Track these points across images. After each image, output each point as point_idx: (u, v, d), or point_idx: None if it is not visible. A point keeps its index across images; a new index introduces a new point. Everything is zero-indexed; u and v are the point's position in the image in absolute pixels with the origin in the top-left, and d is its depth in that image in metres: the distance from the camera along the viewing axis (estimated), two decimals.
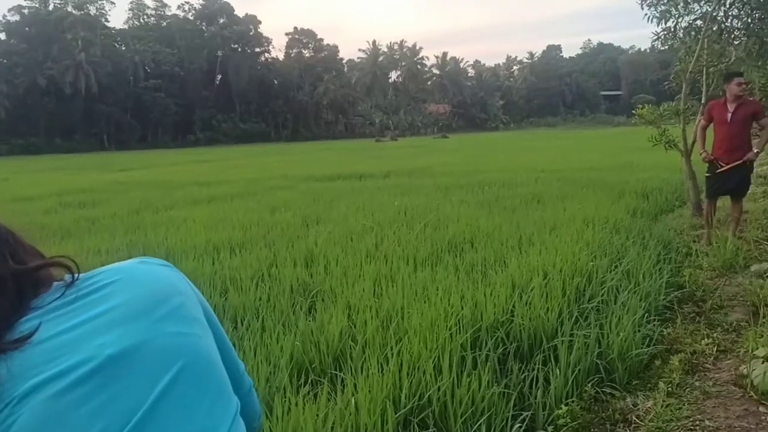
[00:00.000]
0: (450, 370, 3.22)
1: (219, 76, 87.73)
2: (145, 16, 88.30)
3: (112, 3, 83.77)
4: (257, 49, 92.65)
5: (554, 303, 4.20)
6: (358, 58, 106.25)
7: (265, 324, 4.22)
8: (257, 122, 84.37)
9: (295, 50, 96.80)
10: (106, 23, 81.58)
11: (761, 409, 3.27)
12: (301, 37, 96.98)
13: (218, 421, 0.79)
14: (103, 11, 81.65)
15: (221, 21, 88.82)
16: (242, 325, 4.27)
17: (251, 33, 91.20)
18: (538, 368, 3.49)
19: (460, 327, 3.80)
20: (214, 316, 0.94)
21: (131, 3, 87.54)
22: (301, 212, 9.76)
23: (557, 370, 3.46)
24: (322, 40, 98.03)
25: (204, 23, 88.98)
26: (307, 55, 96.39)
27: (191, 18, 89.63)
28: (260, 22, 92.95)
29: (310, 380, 3.48)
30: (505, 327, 3.96)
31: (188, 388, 0.78)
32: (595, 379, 3.56)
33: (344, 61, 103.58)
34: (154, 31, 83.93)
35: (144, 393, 0.74)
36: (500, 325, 3.96)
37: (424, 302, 4.26)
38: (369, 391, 3.05)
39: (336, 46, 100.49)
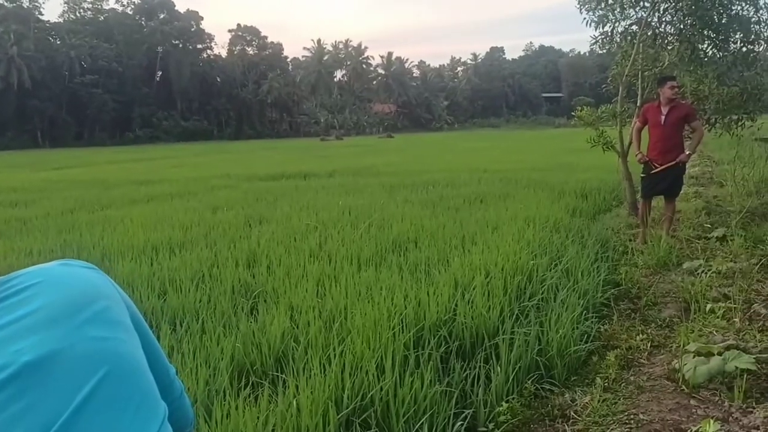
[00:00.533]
0: (392, 369, 3.22)
1: (159, 73, 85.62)
2: (81, 10, 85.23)
3: None
4: (199, 46, 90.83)
5: (496, 301, 4.26)
6: (302, 56, 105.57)
7: (205, 326, 4.13)
8: (199, 120, 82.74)
9: (238, 47, 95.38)
10: (39, 16, 78.38)
11: (692, 402, 3.39)
12: (244, 35, 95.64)
13: (144, 427, 0.76)
14: (36, 4, 78.43)
15: (161, 16, 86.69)
16: (181, 327, 4.17)
17: (193, 29, 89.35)
18: (480, 366, 3.54)
19: (403, 326, 3.81)
20: (142, 320, 0.90)
21: None
22: (243, 212, 9.62)
23: (498, 367, 3.51)
24: (266, 37, 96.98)
25: (143, 18, 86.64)
26: (251, 52, 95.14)
27: (130, 12, 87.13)
28: (202, 18, 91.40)
29: (251, 382, 3.43)
30: (448, 326, 3.99)
31: (112, 395, 0.74)
32: (535, 376, 3.62)
33: (289, 60, 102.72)
34: (91, 26, 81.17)
35: (64, 401, 0.70)
36: (443, 324, 3.98)
37: (368, 302, 4.24)
38: (311, 392, 3.02)
39: (280, 44, 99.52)
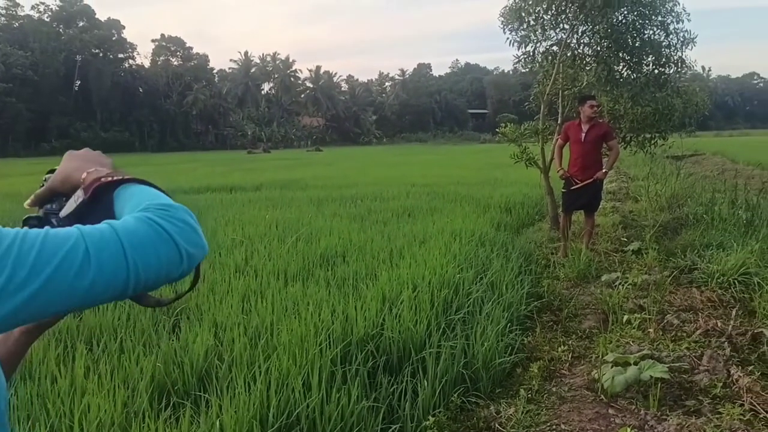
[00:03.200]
0: (319, 386, 3.18)
1: (78, 82, 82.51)
2: None
3: None
4: (120, 55, 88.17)
5: (423, 315, 4.28)
6: (229, 68, 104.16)
7: (124, 345, 3.98)
8: (120, 131, 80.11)
9: (162, 58, 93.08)
10: None
11: (610, 411, 3.50)
12: (168, 45, 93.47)
13: None
14: None
15: (81, 24, 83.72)
16: (98, 347, 3.99)
17: (114, 38, 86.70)
18: (407, 380, 3.54)
19: (330, 342, 3.77)
20: None
21: None
22: None
23: (425, 381, 3.52)
24: (191, 48, 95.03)
25: (61, 26, 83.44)
26: (176, 63, 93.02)
27: (47, 20, 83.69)
28: (124, 27, 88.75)
29: (172, 403, 3.31)
30: (375, 340, 3.98)
31: None
32: (461, 389, 3.66)
33: (215, 71, 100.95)
34: (4, 32, 77.36)
35: None
36: (370, 339, 3.97)
37: (295, 318, 4.19)
38: (235, 411, 2.94)
39: (206, 55, 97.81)
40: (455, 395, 3.56)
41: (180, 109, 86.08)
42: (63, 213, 1.01)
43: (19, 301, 0.73)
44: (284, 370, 3.36)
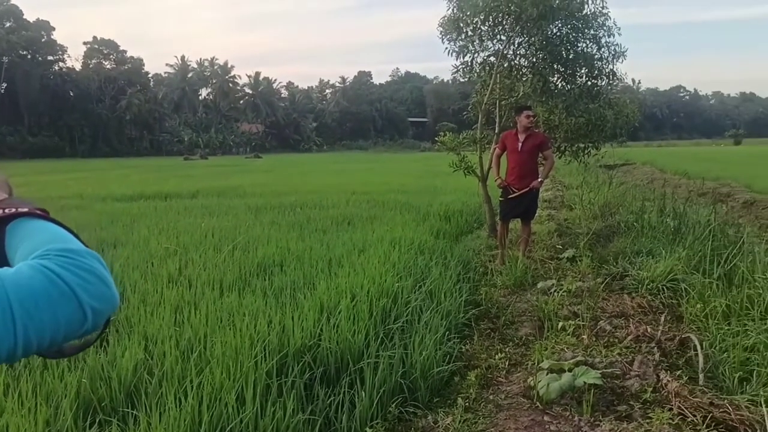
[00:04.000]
0: (254, 399, 3.10)
1: (4, 84, 79.19)
2: None
3: None
4: (50, 58, 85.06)
5: (361, 325, 4.24)
6: (165, 73, 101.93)
7: (47, 360, 3.78)
8: (50, 136, 77.22)
9: (94, 61, 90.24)
10: None
11: (545, 418, 3.53)
12: (101, 48, 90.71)
13: None
14: None
15: (8, 25, 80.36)
16: (19, 363, 3.78)
17: (43, 39, 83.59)
18: (344, 392, 3.49)
19: (266, 353, 3.69)
20: None
21: None
22: (96, 235, 9.00)
23: (363, 392, 3.48)
24: (125, 51, 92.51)
25: None
26: (109, 66, 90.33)
27: None
28: (54, 29, 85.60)
29: (98, 421, 3.17)
30: (313, 351, 3.92)
31: None
32: (399, 399, 3.63)
33: (150, 75, 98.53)
34: None
35: None
36: (307, 350, 3.91)
37: (230, 329, 4.08)
38: (165, 428, 2.83)
39: (141, 59, 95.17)
40: (393, 406, 3.53)
41: (113, 113, 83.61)
42: None
43: None
44: (217, 383, 3.26)
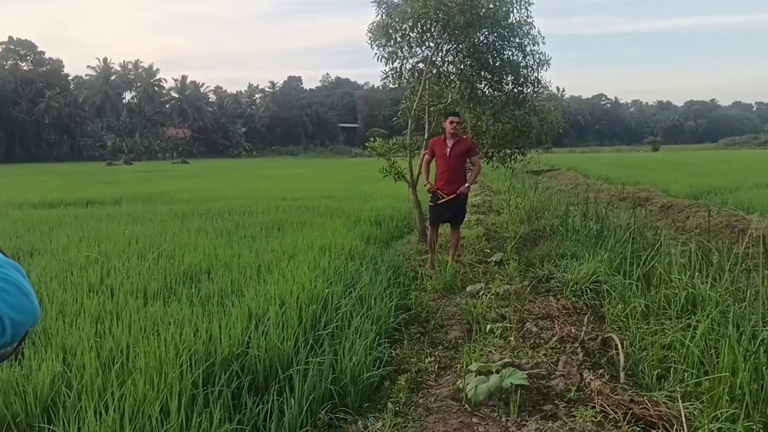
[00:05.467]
0: (179, 411, 3.02)
1: None
2: None
3: None
4: None
5: (290, 332, 4.20)
6: (86, 75, 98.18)
7: None
8: None
9: (10, 62, 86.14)
10: None
11: (474, 419, 3.58)
12: (17, 48, 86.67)
13: None
14: None
15: None
16: None
17: None
18: (273, 399, 3.44)
19: (192, 363, 3.59)
20: None
21: None
22: (11, 243, 8.58)
23: (292, 399, 3.44)
24: (43, 53, 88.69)
25: None
26: (26, 68, 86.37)
27: None
28: None
29: None
30: (241, 359, 3.84)
31: None
32: (329, 406, 3.61)
33: (70, 78, 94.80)
34: None
35: None
36: (235, 358, 3.83)
37: (154, 339, 3.95)
38: None
39: (60, 61, 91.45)
40: (323, 412, 3.51)
41: (30, 117, 79.94)
42: None
43: None
44: (140, 395, 3.16)
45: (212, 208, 13.23)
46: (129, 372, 3.48)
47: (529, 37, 10.03)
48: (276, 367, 3.82)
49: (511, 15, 9.78)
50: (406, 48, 9.95)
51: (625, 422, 3.40)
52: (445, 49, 9.95)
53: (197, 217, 11.71)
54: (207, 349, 3.85)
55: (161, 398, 3.12)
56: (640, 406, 3.52)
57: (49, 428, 3.05)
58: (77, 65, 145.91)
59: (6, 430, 3.08)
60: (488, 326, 5.19)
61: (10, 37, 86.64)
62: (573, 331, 5.04)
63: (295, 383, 3.57)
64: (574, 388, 3.84)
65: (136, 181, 27.87)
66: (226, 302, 5.07)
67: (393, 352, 4.73)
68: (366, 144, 10.42)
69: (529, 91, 10.52)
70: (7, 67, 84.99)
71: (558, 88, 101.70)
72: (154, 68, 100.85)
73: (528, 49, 10.06)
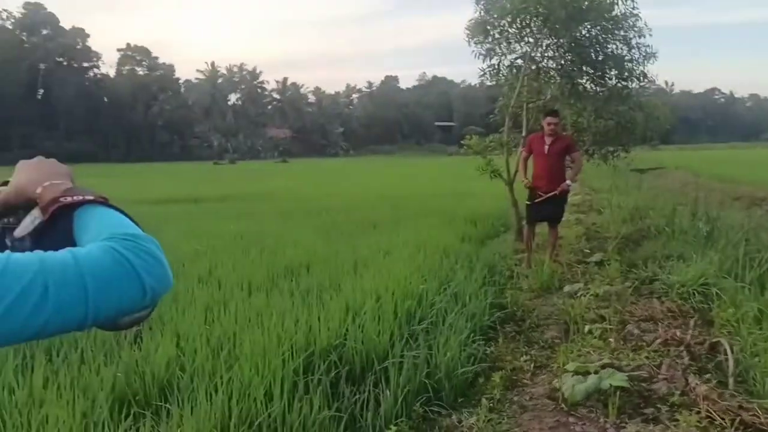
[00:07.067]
0: (281, 396, 3.17)
1: (41, 91, 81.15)
2: None
3: None
4: (85, 64, 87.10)
5: (386, 325, 4.29)
6: (196, 78, 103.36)
7: (84, 355, 3.90)
8: (84, 141, 78.78)
9: (127, 67, 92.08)
10: None
11: (570, 419, 3.54)
12: (134, 54, 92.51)
13: None
14: None
15: (45, 32, 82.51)
16: (58, 357, 3.91)
17: (78, 46, 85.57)
18: (369, 390, 3.53)
19: (293, 352, 3.75)
20: None
21: None
22: None
23: (387, 391, 3.52)
24: (157, 58, 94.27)
25: (25, 33, 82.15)
26: (141, 73, 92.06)
27: (10, 27, 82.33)
28: (89, 36, 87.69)
29: (132, 413, 3.25)
30: (338, 350, 3.97)
31: None
32: (424, 399, 3.66)
33: (181, 81, 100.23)
34: None
35: None
36: (333, 349, 3.96)
37: (258, 328, 4.16)
38: (196, 421, 2.91)
39: (172, 66, 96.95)
40: (417, 405, 3.56)
41: (145, 119, 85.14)
42: (18, 233, 0.96)
43: None
44: (246, 380, 3.33)
45: (311, 206, 13.63)
46: (236, 358, 3.69)
47: (635, 29, 9.71)
48: (372, 358, 3.92)
49: (616, 7, 9.50)
50: (504, 44, 9.87)
51: (733, 429, 3.25)
52: (544, 44, 9.79)
53: (297, 214, 12.10)
54: (307, 340, 4.00)
55: (265, 383, 3.29)
56: (750, 413, 3.36)
57: (165, 406, 3.28)
58: (187, 69, 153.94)
59: (127, 407, 3.33)
60: (587, 327, 5.08)
61: (128, 44, 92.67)
62: (678, 334, 4.85)
63: (390, 375, 3.65)
64: (678, 392, 3.71)
65: (240, 179, 29.08)
66: (324, 295, 5.24)
67: (487, 349, 4.72)
68: (462, 142, 10.42)
69: (634, 85, 10.19)
70: (125, 72, 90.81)
71: (666, 83, 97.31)
72: (258, 71, 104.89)
73: (633, 41, 9.73)
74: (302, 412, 3.07)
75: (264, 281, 5.97)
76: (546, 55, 10.00)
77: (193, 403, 3.14)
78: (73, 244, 0.87)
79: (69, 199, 0.92)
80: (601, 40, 9.54)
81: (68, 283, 0.75)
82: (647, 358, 4.41)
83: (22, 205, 0.99)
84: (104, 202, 0.94)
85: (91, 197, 0.94)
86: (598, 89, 10.05)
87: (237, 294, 5.33)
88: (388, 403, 3.43)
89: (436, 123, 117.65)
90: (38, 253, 0.77)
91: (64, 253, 0.78)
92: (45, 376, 3.49)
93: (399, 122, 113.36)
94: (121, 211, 0.94)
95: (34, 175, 0.99)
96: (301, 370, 3.56)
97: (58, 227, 0.91)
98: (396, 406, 3.45)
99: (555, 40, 9.63)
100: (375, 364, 3.87)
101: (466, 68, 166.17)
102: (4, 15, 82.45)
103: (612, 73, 9.90)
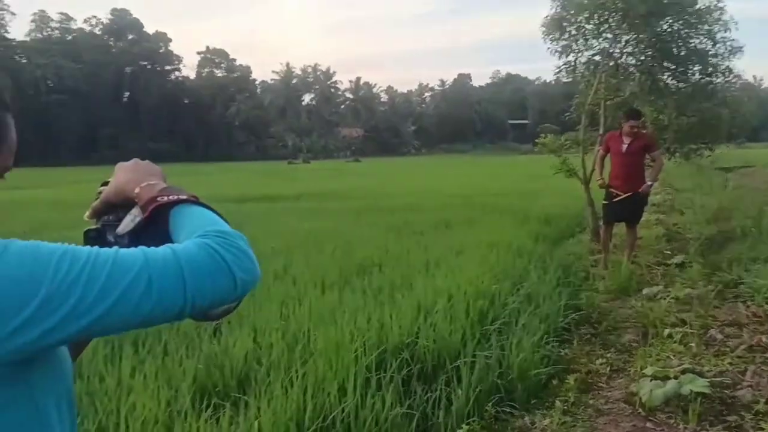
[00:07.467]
0: (354, 391, 3.22)
1: (127, 94, 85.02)
2: (48, 29, 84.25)
3: (13, 14, 79.56)
4: (167, 67, 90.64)
5: (458, 325, 4.28)
6: (271, 79, 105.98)
7: (167, 347, 4.08)
8: (166, 141, 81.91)
9: (206, 69, 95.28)
10: (5, 34, 77.46)
11: (648, 424, 3.44)
12: (213, 57, 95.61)
13: None
14: (2, 22, 77.68)
15: (130, 37, 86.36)
16: (143, 348, 4.10)
17: (161, 51, 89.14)
18: (441, 389, 3.55)
19: (365, 349, 3.80)
20: None
21: (34, 15, 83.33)
22: None
23: (459, 390, 3.52)
24: (234, 60, 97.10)
25: (112, 38, 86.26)
26: (220, 74, 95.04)
27: (98, 33, 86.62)
28: (171, 40, 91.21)
29: (212, 404, 3.38)
30: (410, 348, 3.99)
31: None
32: (496, 399, 3.64)
33: (257, 83, 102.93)
34: (59, 45, 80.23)
35: None
36: (405, 347, 3.99)
37: (331, 324, 4.24)
38: (273, 413, 3.00)
39: (249, 67, 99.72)
40: (490, 405, 3.55)
41: (223, 120, 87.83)
42: (121, 230, 1.05)
43: (84, 324, 0.77)
44: (320, 374, 3.41)
45: (383, 204, 13.73)
46: (310, 353, 3.78)
47: (720, 23, 9.29)
48: (444, 357, 3.93)
49: (699, 0, 9.13)
50: (581, 41, 9.66)
51: None
52: (624, 40, 9.51)
53: (370, 213, 12.21)
54: (379, 337, 4.05)
55: (338, 379, 3.35)
56: None
57: (242, 398, 3.40)
58: (263, 71, 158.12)
59: (207, 397, 3.46)
60: (666, 331, 4.92)
61: (207, 47, 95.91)
62: (764, 340, 4.64)
63: (462, 374, 3.65)
64: (763, 400, 3.55)
65: (313, 178, 29.58)
66: (396, 294, 5.28)
67: (562, 351, 4.65)
68: (536, 141, 10.26)
69: (719, 81, 9.75)
70: (204, 74, 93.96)
71: (755, 78, 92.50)
72: (331, 71, 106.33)
73: (718, 36, 9.32)
74: (374, 408, 3.11)
75: (337, 279, 6.07)
76: (625, 51, 9.72)
77: (269, 395, 3.23)
78: (168, 240, 0.94)
79: (165, 198, 1.00)
80: (684, 35, 9.20)
81: (169, 275, 0.82)
82: (731, 364, 4.25)
83: (120, 204, 1.07)
84: (196, 201, 1.01)
85: (185, 196, 1.01)
86: (680, 85, 9.69)
87: (311, 291, 5.44)
88: (460, 402, 3.43)
89: (510, 121, 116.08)
90: (142, 249, 0.85)
91: (164, 249, 0.85)
92: (132, 366, 3.68)
93: (472, 120, 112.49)
94: (212, 209, 1.00)
95: (132, 175, 1.07)
96: (374, 367, 3.60)
97: (156, 224, 0.99)
98: (468, 406, 3.45)
99: (634, 36, 9.35)
100: (447, 363, 3.87)
101: (541, 65, 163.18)
102: (93, 21, 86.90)
103: (695, 68, 9.54)
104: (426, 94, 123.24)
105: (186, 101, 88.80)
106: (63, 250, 0.80)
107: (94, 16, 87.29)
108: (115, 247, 0.84)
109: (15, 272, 0.76)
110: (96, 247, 0.83)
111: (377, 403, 3.14)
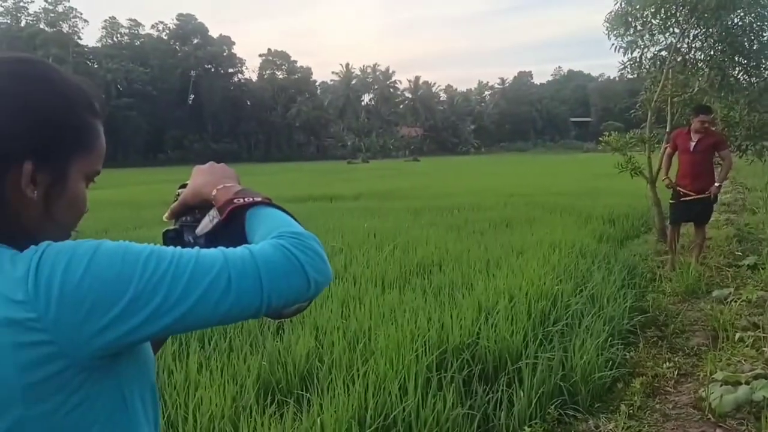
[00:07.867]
0: (415, 390, 3.24)
1: (192, 96, 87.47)
2: (118, 35, 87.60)
3: (86, 21, 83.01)
4: (230, 70, 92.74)
5: (519, 326, 4.24)
6: (331, 80, 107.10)
7: (232, 344, 4.20)
8: (229, 142, 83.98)
9: (268, 72, 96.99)
10: (78, 41, 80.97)
11: (718, 431, 3.34)
12: (274, 59, 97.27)
13: None
14: (76, 29, 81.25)
15: (195, 41, 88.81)
16: (209, 345, 4.23)
17: (225, 54, 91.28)
18: (503, 390, 3.53)
19: (426, 349, 3.81)
20: None
21: (105, 21, 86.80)
22: None
23: (521, 391, 3.50)
24: (295, 62, 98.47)
25: (178, 43, 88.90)
26: (281, 76, 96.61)
27: (165, 37, 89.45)
28: (234, 43, 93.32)
29: (276, 400, 3.46)
30: (471, 349, 3.99)
31: None
32: (559, 401, 3.59)
33: (317, 84, 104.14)
34: (128, 50, 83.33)
35: None
36: (466, 347, 3.98)
37: (391, 324, 4.27)
38: (335, 411, 3.05)
39: (309, 68, 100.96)
40: (552, 407, 3.51)
41: (284, 120, 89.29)
42: (199, 231, 1.10)
43: (168, 321, 0.81)
44: (381, 373, 3.44)
45: (442, 204, 13.68)
46: (371, 352, 3.81)
47: None
48: (505, 358, 3.90)
49: None
50: (647, 36, 9.39)
51: None
52: (692, 34, 9.20)
53: (429, 212, 12.19)
54: (439, 337, 4.05)
55: (399, 378, 3.38)
56: None
57: (305, 395, 3.46)
58: (323, 71, 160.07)
59: (271, 394, 3.55)
60: (737, 335, 4.75)
61: (269, 49, 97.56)
62: None
63: (524, 376, 3.62)
64: None
65: (372, 178, 29.73)
66: (456, 294, 5.27)
67: (627, 354, 4.55)
68: (600, 138, 10.04)
69: None
70: (266, 76, 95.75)
71: None
72: (390, 71, 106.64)
73: None
74: (435, 408, 3.12)
75: (397, 278, 6.10)
76: (693, 45, 9.39)
77: (331, 393, 3.29)
78: (243, 240, 0.98)
79: (242, 200, 1.03)
80: (756, 29, 8.83)
81: (247, 276, 0.85)
82: None
83: (197, 205, 1.12)
84: (270, 203, 1.05)
85: (260, 198, 1.05)
86: (752, 80, 9.31)
87: (371, 290, 5.48)
88: (522, 404, 3.41)
89: (572, 119, 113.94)
90: (221, 249, 0.89)
91: (242, 250, 0.89)
92: (199, 362, 3.80)
93: (532, 118, 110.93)
94: (285, 211, 1.04)
95: (209, 178, 1.12)
96: (434, 367, 3.62)
97: (233, 225, 1.03)
98: (530, 408, 3.42)
99: (704, 30, 9.02)
100: (508, 364, 3.85)
101: (603, 61, 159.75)
102: (160, 27, 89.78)
103: None
104: (486, 92, 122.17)
105: (248, 103, 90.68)
106: (149, 250, 0.84)
107: (161, 22, 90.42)
108: (196, 248, 0.88)
109: (105, 273, 0.80)
110: (179, 248, 0.87)
111: (438, 403, 3.15)
